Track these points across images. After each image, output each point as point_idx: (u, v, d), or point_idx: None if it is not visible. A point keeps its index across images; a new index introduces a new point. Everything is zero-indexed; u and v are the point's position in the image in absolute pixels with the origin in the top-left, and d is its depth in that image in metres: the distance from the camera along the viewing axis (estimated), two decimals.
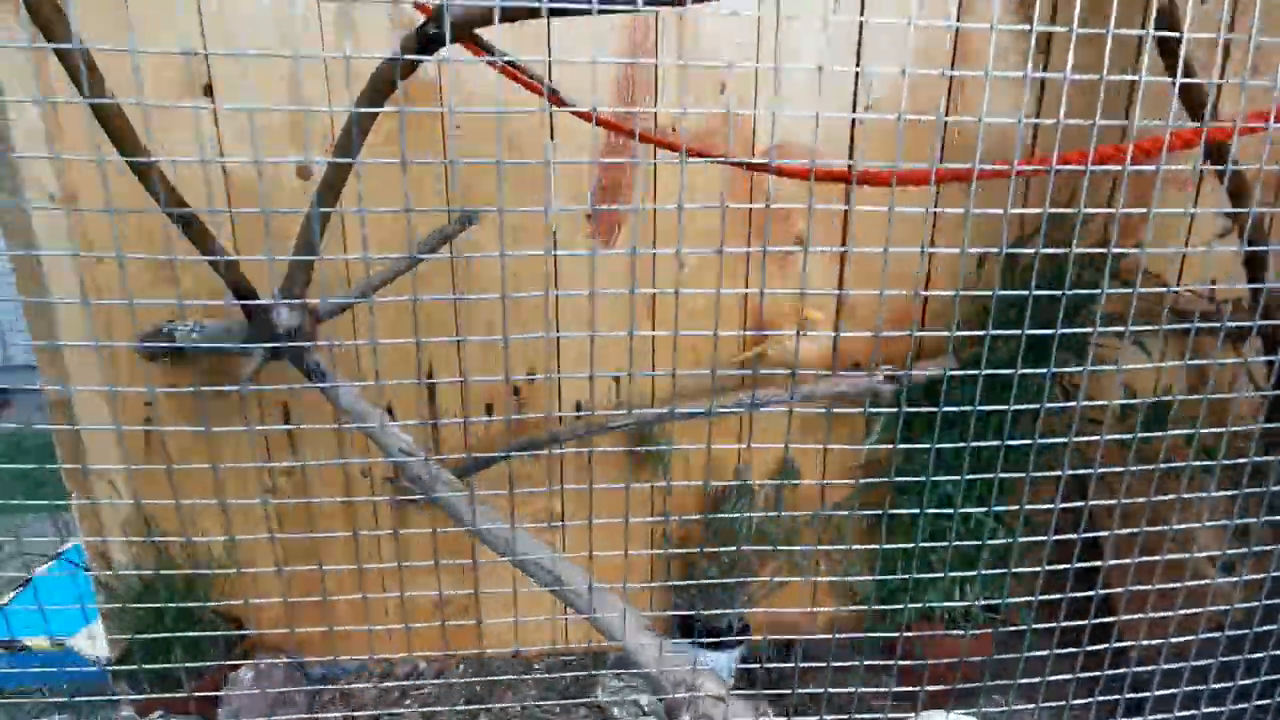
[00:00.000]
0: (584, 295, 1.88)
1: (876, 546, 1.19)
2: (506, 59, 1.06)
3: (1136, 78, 0.91)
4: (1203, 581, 1.32)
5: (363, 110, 1.15)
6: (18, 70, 1.62)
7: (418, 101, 1.73)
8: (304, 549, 2.00)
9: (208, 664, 1.85)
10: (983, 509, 1.80)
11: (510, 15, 0.96)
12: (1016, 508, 1.90)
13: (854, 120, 1.86)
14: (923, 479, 1.13)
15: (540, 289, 1.89)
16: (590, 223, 1.88)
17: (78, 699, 2.04)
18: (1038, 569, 1.17)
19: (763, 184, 1.86)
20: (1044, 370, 1.07)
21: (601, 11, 0.94)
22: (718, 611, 2.02)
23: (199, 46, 1.66)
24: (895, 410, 1.93)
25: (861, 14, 1.80)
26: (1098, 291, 1.87)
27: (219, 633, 1.91)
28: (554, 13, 0.95)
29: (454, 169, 1.78)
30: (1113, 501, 1.18)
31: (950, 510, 1.88)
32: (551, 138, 1.78)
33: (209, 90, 1.70)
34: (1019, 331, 1.01)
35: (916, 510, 1.81)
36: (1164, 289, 1.90)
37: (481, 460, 1.86)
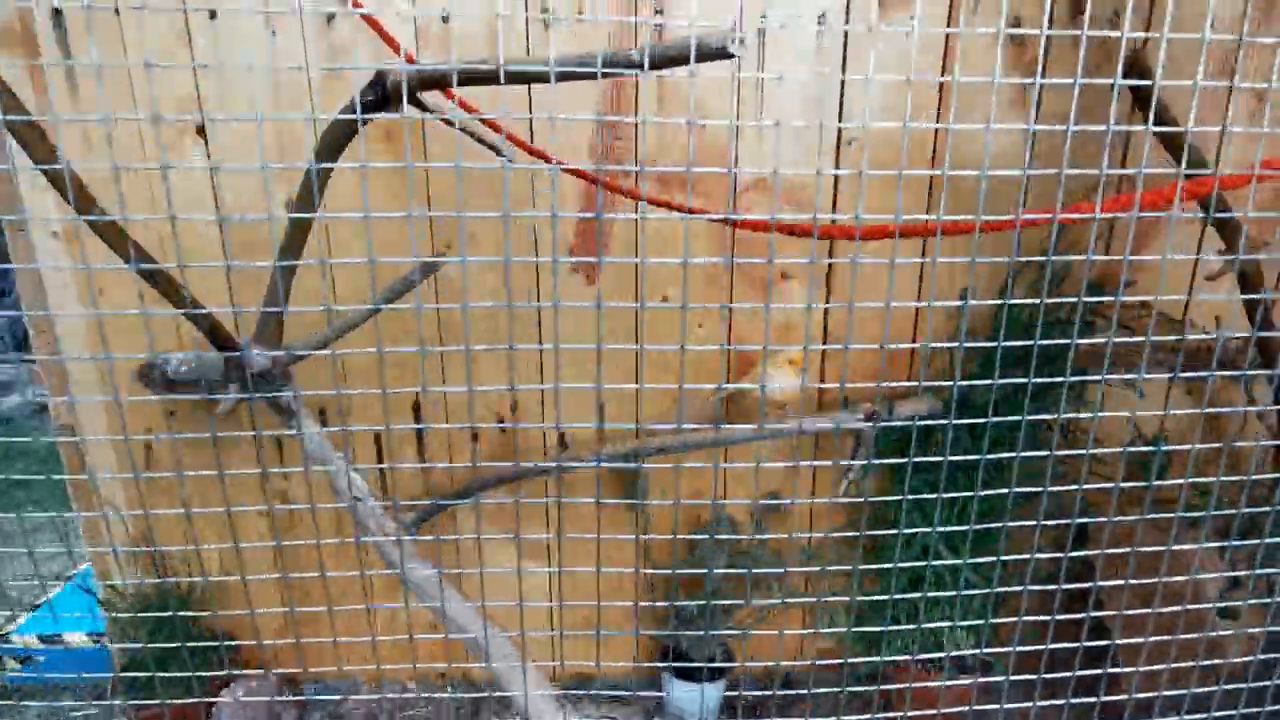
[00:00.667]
0: (574, 327, 1.89)
1: (850, 567, 1.18)
2: (442, 117, 1.09)
3: (1104, 128, 0.88)
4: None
5: (322, 165, 1.19)
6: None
7: (397, 139, 1.77)
8: (297, 569, 2.05)
9: (202, 673, 1.92)
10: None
11: (437, 83, 0.98)
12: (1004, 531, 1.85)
13: (836, 156, 1.84)
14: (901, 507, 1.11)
15: (522, 323, 1.91)
16: (573, 255, 1.90)
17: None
18: (1008, 614, 1.14)
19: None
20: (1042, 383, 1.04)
21: (562, 78, 0.94)
22: (694, 633, 2.01)
23: (195, 94, 1.72)
24: (889, 449, 1.90)
25: (845, 64, 1.78)
26: (1093, 297, 1.82)
27: (212, 643, 1.98)
28: (510, 79, 0.96)
29: (434, 205, 1.82)
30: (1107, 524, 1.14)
31: (934, 550, 1.85)
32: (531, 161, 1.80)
33: (202, 131, 1.77)
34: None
35: (894, 548, 1.77)
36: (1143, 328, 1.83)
37: (464, 491, 1.89)
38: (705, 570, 1.87)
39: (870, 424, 1.73)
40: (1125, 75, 1.31)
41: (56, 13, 1.68)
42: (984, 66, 1.76)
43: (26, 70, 1.68)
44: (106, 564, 2.03)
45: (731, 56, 0.74)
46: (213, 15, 1.70)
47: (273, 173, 1.79)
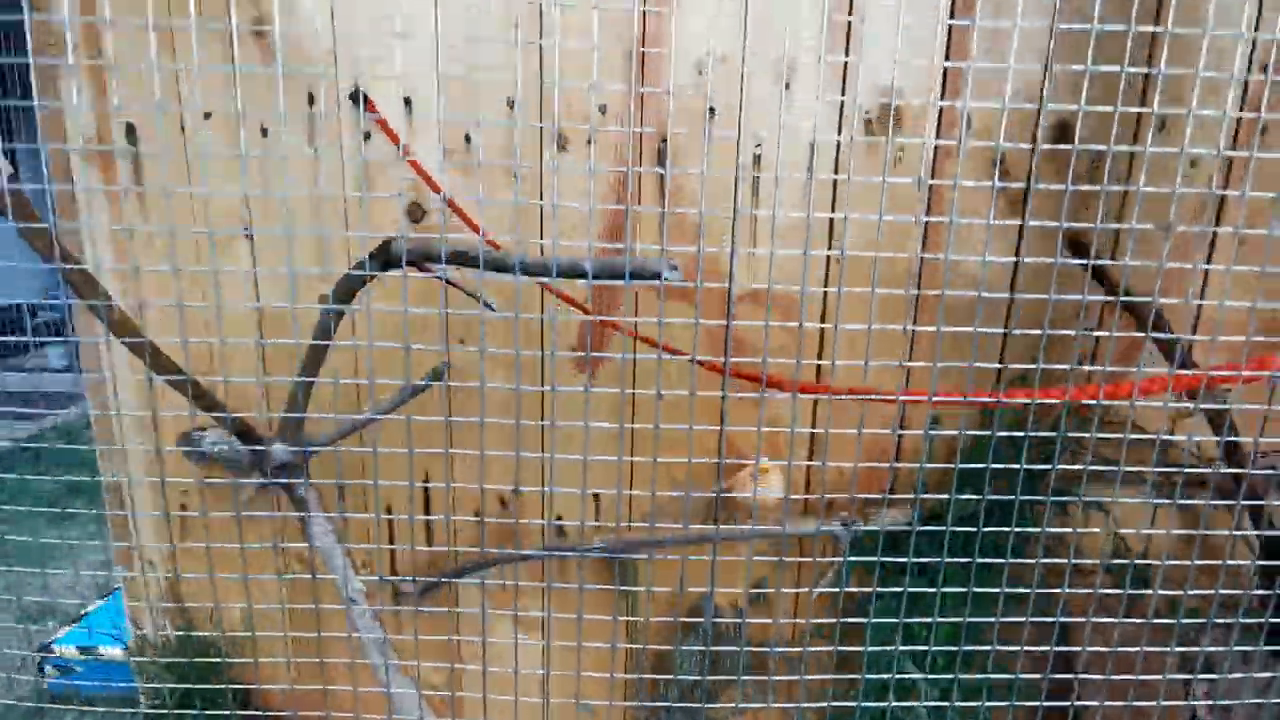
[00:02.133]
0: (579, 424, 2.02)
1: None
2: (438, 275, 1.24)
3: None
4: None
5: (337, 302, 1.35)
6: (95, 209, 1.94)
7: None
8: (311, 629, 2.19)
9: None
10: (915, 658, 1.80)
11: (434, 257, 1.12)
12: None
13: (827, 269, 1.94)
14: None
15: (530, 416, 2.04)
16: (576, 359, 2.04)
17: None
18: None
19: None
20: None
21: (523, 271, 1.10)
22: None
23: (244, 203, 1.93)
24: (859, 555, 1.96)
25: (836, 170, 1.89)
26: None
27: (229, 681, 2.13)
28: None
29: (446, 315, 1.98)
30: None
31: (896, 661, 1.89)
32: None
33: (251, 237, 1.97)
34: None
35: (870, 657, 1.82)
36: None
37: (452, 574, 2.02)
38: (685, 662, 1.95)
39: (832, 530, 1.81)
40: (1073, 252, 1.39)
41: (129, 128, 1.91)
42: (972, 199, 1.85)
43: (103, 183, 1.91)
44: (140, 613, 2.21)
45: (663, 278, 0.86)
46: (264, 133, 1.91)
47: (307, 276, 1.96)
